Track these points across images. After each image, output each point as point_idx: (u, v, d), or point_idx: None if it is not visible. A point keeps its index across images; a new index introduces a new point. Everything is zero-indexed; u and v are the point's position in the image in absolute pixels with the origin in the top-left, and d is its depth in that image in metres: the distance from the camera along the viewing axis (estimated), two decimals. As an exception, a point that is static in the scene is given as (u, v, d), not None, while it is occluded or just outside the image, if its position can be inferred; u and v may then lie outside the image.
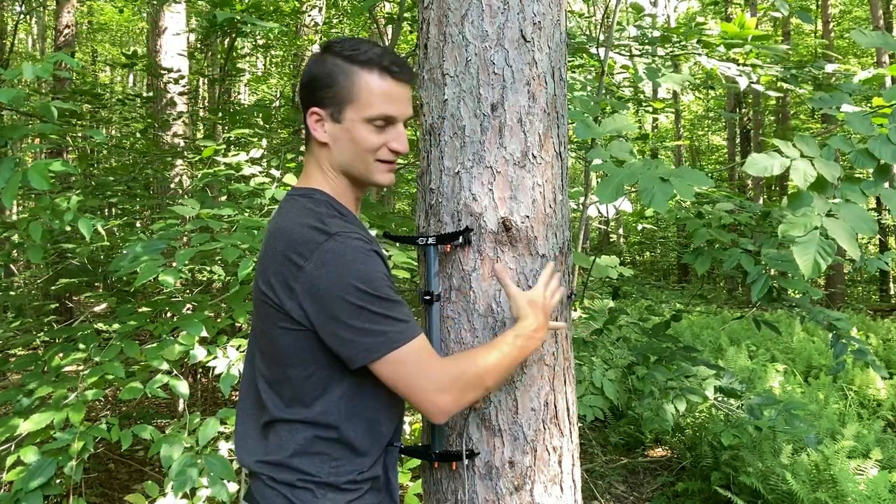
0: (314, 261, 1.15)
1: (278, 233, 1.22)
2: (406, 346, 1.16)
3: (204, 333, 2.61)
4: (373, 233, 3.09)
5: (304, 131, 1.32)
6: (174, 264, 2.40)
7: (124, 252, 2.54)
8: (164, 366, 2.58)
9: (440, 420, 1.20)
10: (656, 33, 3.55)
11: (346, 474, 1.22)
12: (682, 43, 3.25)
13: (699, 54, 3.22)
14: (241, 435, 1.31)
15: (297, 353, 1.21)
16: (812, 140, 1.79)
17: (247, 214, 3.02)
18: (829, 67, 2.68)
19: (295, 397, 1.22)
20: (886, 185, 1.76)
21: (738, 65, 3.09)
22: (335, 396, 1.21)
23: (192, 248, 2.57)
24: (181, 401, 3.89)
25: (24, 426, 2.34)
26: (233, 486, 2.48)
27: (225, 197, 4.08)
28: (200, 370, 4.70)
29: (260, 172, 3.65)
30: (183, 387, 2.61)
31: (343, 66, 1.24)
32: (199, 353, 2.70)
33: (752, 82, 3.14)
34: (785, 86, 2.99)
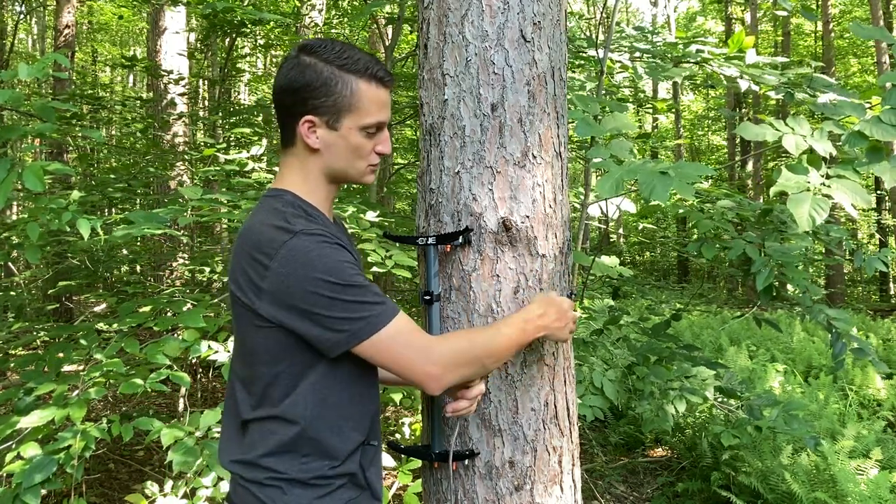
0: (279, 259, 1.17)
1: (246, 233, 1.25)
2: (389, 325, 1.19)
3: (202, 324, 2.62)
4: (359, 221, 3.11)
5: (284, 133, 1.33)
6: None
7: (128, 217, 2.61)
8: (166, 362, 2.60)
9: (436, 391, 1.22)
10: (657, 38, 3.55)
11: (315, 470, 1.23)
12: (681, 58, 3.25)
13: (698, 63, 3.22)
14: (222, 435, 1.35)
15: (267, 351, 1.23)
16: (804, 120, 1.85)
17: (243, 203, 3.05)
18: (823, 98, 2.68)
19: (265, 395, 1.24)
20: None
21: (739, 76, 3.09)
22: (304, 391, 1.23)
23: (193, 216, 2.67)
24: (181, 401, 3.89)
25: (26, 420, 2.35)
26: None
27: (225, 190, 4.10)
28: (200, 370, 4.70)
29: (261, 169, 3.67)
30: (184, 377, 2.62)
31: (340, 74, 1.26)
32: (201, 347, 2.71)
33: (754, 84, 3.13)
34: (781, 96, 2.99)
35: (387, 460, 3.02)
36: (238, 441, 1.29)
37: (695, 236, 2.81)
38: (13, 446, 2.40)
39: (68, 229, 2.69)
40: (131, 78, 20.52)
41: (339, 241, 1.21)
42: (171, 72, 6.37)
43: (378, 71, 1.28)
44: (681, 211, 3.04)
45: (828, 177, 1.79)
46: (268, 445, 1.23)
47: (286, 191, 1.30)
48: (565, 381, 1.58)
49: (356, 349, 1.20)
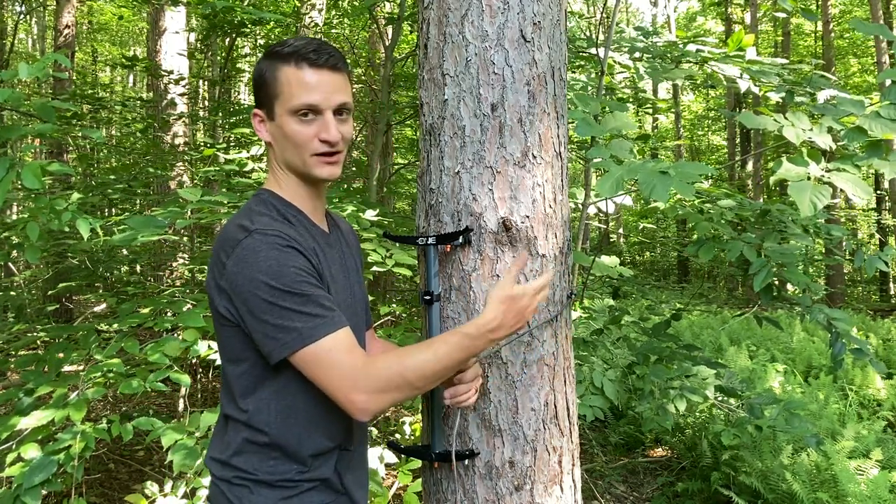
0: (234, 258, 1.17)
1: (220, 233, 1.26)
2: (320, 341, 1.14)
3: (202, 324, 2.62)
4: (359, 220, 3.12)
5: None
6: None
7: (128, 224, 2.61)
8: (166, 362, 2.60)
9: (362, 418, 1.16)
10: (656, 39, 3.54)
11: (283, 473, 1.23)
12: (680, 57, 3.25)
13: (698, 62, 3.22)
14: (214, 430, 1.37)
15: (231, 350, 1.24)
16: (804, 116, 1.87)
17: (242, 204, 3.06)
18: (823, 95, 2.69)
19: (233, 394, 1.25)
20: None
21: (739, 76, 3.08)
22: (266, 395, 1.23)
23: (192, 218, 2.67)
24: (181, 401, 3.89)
25: (26, 421, 2.35)
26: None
27: (225, 191, 4.10)
28: (200, 370, 4.70)
29: (261, 169, 3.67)
30: (184, 377, 2.63)
31: (268, 63, 1.27)
32: (201, 347, 2.72)
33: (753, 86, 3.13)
34: (781, 96, 2.99)
35: (388, 459, 3.02)
36: (220, 438, 1.30)
37: (694, 236, 2.81)
38: (13, 447, 2.40)
39: (67, 229, 2.69)
40: (131, 78, 20.52)
41: (294, 244, 1.18)
42: (171, 72, 6.37)
43: (309, 53, 1.23)
44: (680, 212, 3.03)
45: (828, 170, 1.81)
46: (238, 446, 1.24)
47: (265, 190, 1.32)
48: (565, 381, 1.58)
49: (291, 360, 1.16)
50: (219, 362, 2.73)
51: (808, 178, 1.72)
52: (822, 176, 1.77)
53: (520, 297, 1.23)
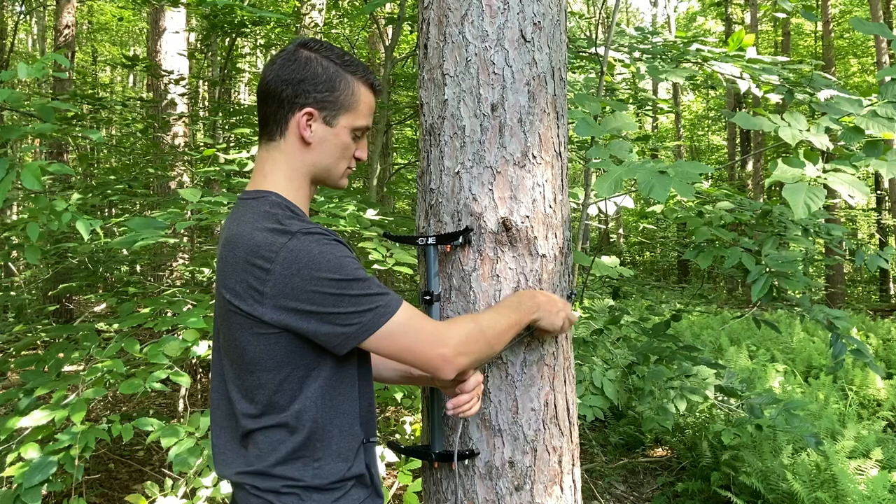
0: (280, 262, 1.15)
1: (236, 239, 1.21)
2: (397, 314, 1.20)
3: (202, 324, 2.62)
4: (360, 220, 3.12)
5: (271, 126, 1.29)
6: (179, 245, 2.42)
7: (128, 226, 2.61)
8: (166, 362, 2.60)
9: (450, 374, 1.23)
10: (656, 39, 3.55)
11: (330, 475, 1.22)
12: (680, 55, 3.25)
13: (698, 62, 3.22)
14: (218, 447, 1.30)
15: (271, 358, 1.20)
16: (801, 116, 1.87)
17: None
18: (823, 95, 2.69)
19: (271, 402, 1.22)
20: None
21: (739, 76, 3.08)
22: (311, 393, 1.22)
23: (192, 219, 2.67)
24: (181, 401, 3.89)
25: (26, 421, 2.35)
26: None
27: (226, 191, 4.10)
28: (200, 370, 4.70)
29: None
30: (184, 378, 2.62)
31: (342, 73, 1.29)
32: (201, 347, 2.71)
33: (753, 86, 3.13)
34: (781, 97, 2.99)
35: (388, 459, 3.02)
36: (241, 452, 1.25)
37: (694, 238, 2.82)
38: (13, 447, 2.40)
39: (67, 230, 2.69)
40: (131, 78, 20.52)
41: (335, 237, 1.22)
42: (171, 72, 6.37)
43: (373, 78, 1.34)
44: (679, 215, 3.03)
45: (824, 171, 1.81)
46: (280, 454, 1.21)
47: (270, 192, 1.27)
48: (565, 381, 1.58)
49: (366, 343, 1.20)
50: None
51: (804, 180, 1.72)
52: (819, 177, 1.76)
53: (548, 293, 1.47)
